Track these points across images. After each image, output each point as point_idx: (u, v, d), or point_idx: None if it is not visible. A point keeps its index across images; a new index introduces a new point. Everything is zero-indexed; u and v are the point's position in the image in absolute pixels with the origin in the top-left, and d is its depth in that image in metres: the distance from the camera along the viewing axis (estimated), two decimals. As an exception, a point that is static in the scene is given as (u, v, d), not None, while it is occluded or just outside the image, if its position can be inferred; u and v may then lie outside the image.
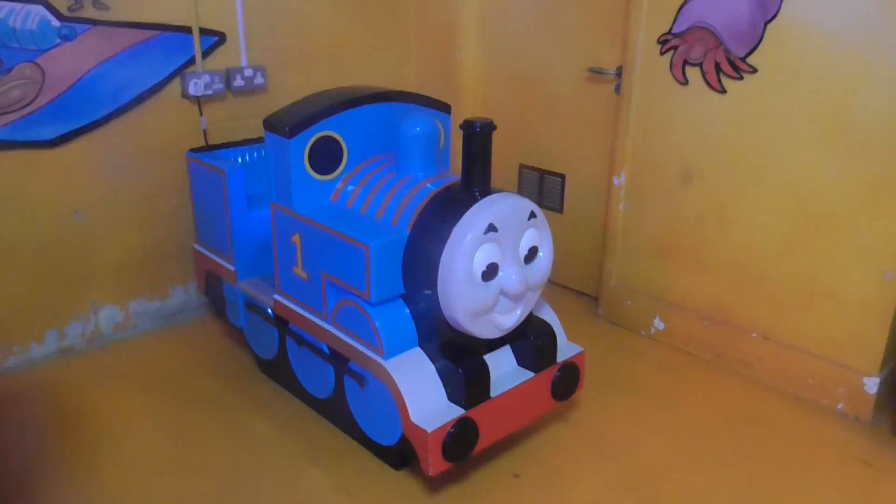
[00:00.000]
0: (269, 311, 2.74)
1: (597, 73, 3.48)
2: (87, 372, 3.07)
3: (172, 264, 3.42)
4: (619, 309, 3.54)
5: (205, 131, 3.33)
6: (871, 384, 2.75)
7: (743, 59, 2.86)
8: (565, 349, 2.52)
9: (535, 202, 2.24)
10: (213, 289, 3.14)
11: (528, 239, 2.20)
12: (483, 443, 2.26)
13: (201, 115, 3.31)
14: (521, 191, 3.99)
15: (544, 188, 3.88)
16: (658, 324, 3.40)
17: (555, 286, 3.94)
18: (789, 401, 2.93)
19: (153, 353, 3.23)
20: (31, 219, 2.99)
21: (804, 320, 2.89)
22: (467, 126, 2.11)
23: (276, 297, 2.66)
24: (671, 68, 3.09)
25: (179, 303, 3.51)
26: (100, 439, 2.63)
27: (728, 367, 3.15)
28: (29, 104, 2.87)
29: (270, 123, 2.40)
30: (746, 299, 3.05)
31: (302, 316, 2.54)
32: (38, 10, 2.81)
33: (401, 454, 2.42)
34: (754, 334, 3.06)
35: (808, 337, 2.89)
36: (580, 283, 3.88)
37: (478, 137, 2.11)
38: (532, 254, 2.24)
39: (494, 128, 2.13)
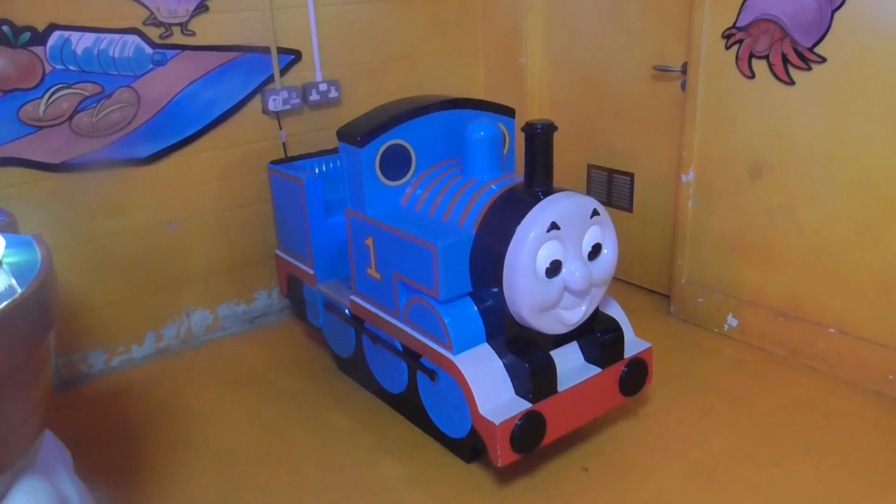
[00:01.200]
0: (346, 311, 2.89)
1: (662, 70, 3.48)
2: (181, 371, 3.32)
3: (256, 270, 3.65)
4: (691, 306, 3.52)
5: (284, 144, 3.54)
6: (958, 379, 2.66)
7: (811, 49, 2.82)
8: (633, 345, 2.55)
9: (603, 201, 2.29)
10: (295, 292, 3.32)
11: (592, 236, 2.25)
12: (551, 436, 2.32)
13: (280, 128, 3.52)
14: (590, 190, 4.02)
15: (613, 187, 3.90)
16: (731, 320, 3.36)
17: (626, 285, 3.95)
18: (869, 396, 2.85)
19: (240, 353, 3.46)
20: (131, 230, 3.26)
21: (882, 313, 2.81)
22: (529, 128, 2.20)
23: (353, 297, 2.80)
24: (737, 62, 3.07)
25: (263, 306, 3.73)
26: (193, 432, 2.85)
27: (804, 363, 3.09)
28: (127, 125, 3.14)
29: (343, 134, 2.55)
30: (821, 294, 2.99)
31: (376, 315, 2.67)
32: (134, 39, 3.08)
33: (471, 447, 2.51)
34: (831, 329, 2.99)
35: (886, 330, 2.81)
36: (651, 282, 3.87)
37: (539, 138, 2.19)
38: (596, 251, 2.29)
39: (555, 129, 2.21)
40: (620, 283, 3.95)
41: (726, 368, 3.13)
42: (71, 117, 3.01)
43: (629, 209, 3.84)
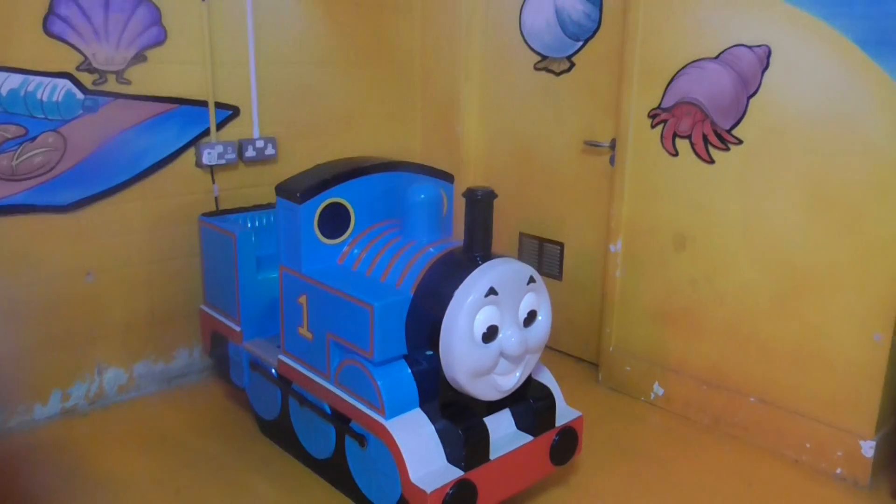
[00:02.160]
0: (273, 371, 2.79)
1: (592, 145, 3.64)
2: (89, 433, 3.09)
3: (178, 327, 3.49)
4: (619, 374, 3.58)
5: (216, 198, 3.46)
6: (868, 447, 2.78)
7: (728, 132, 3.01)
8: (564, 413, 2.56)
9: (535, 269, 2.33)
10: (219, 349, 3.19)
11: (528, 303, 2.28)
12: (482, 504, 2.28)
13: (213, 182, 3.45)
14: (522, 258, 4.05)
15: (544, 256, 3.99)
16: (657, 389, 3.43)
17: (555, 352, 3.99)
18: (788, 465, 2.94)
19: (155, 415, 3.26)
20: (43, 279, 3.07)
21: (799, 383, 2.94)
22: (470, 193, 2.23)
23: (281, 357, 2.71)
24: (662, 140, 3.25)
25: (183, 365, 3.55)
26: (101, 501, 2.64)
27: (727, 431, 3.18)
28: (50, 171, 3.01)
29: (282, 189, 2.52)
30: (742, 363, 3.11)
31: (305, 376, 2.59)
32: (65, 84, 2.98)
33: (400, 516, 2.42)
34: (752, 398, 3.09)
35: (803, 400, 2.94)
36: (580, 350, 3.93)
37: (479, 204, 2.22)
38: (531, 317, 2.31)
39: (495, 196, 2.25)
40: (549, 350, 3.99)
41: (653, 436, 3.18)
42: (-12, 159, 2.86)
43: (559, 277, 3.93)
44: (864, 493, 2.76)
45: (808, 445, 2.93)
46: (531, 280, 2.28)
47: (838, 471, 2.85)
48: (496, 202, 2.27)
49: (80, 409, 3.26)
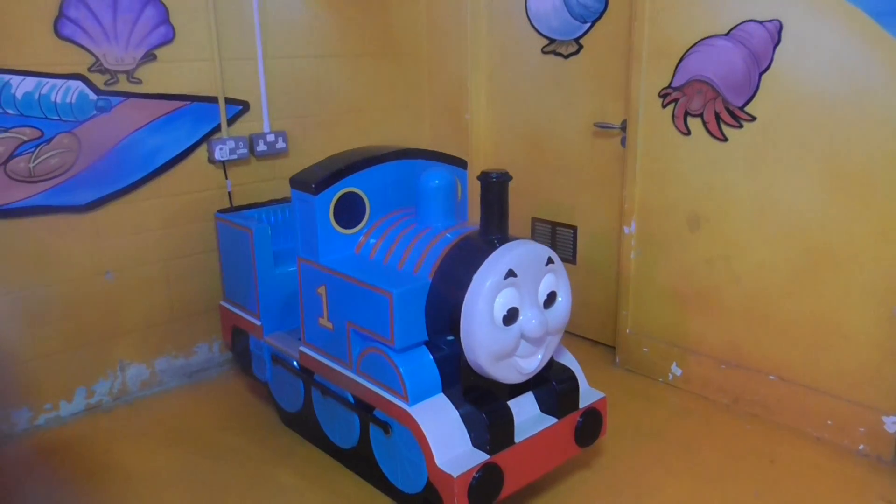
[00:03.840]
0: (295, 363, 2.81)
1: (602, 127, 3.63)
2: (113, 429, 3.13)
3: (197, 322, 3.52)
4: (636, 356, 3.59)
5: (230, 193, 3.48)
6: (891, 423, 2.77)
7: (741, 109, 3.00)
8: (587, 395, 2.57)
9: (546, 246, 2.33)
10: (240, 344, 3.22)
11: (547, 284, 2.28)
12: (508, 489, 2.29)
13: (226, 178, 3.47)
14: (534, 243, 4.09)
15: (557, 240, 3.99)
16: (675, 370, 3.43)
17: (571, 336, 3.99)
18: (810, 442, 2.93)
19: (178, 410, 3.29)
20: (64, 280, 3.11)
21: (819, 360, 2.93)
22: (484, 177, 2.23)
23: (302, 348, 2.73)
24: (673, 120, 3.23)
25: (204, 360, 3.59)
26: (126, 495, 2.67)
27: (746, 410, 3.17)
28: (66, 171, 3.03)
29: (297, 182, 2.53)
30: (760, 341, 3.10)
31: (327, 366, 2.61)
32: (77, 85, 3.00)
33: (426, 502, 2.44)
34: (771, 376, 3.09)
35: (824, 377, 2.93)
36: (596, 333, 3.93)
37: (494, 187, 2.22)
38: (551, 298, 2.32)
39: (510, 178, 2.25)
40: (566, 334, 3.98)
41: (673, 417, 3.18)
42: (6, 162, 2.88)
43: (573, 261, 3.93)
44: (887, 468, 2.75)
45: (829, 422, 2.92)
46: (549, 261, 2.29)
47: (861, 447, 2.85)
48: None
49: (105, 405, 3.30)
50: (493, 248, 2.21)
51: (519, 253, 2.20)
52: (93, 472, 2.81)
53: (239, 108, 3.48)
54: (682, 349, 3.39)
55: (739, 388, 3.20)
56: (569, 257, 3.94)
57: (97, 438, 3.05)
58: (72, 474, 2.81)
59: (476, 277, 2.16)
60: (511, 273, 2.16)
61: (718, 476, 2.73)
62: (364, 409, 2.50)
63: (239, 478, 2.77)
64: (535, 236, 4.09)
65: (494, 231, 2.26)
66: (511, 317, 2.19)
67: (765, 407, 3.12)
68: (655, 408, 3.26)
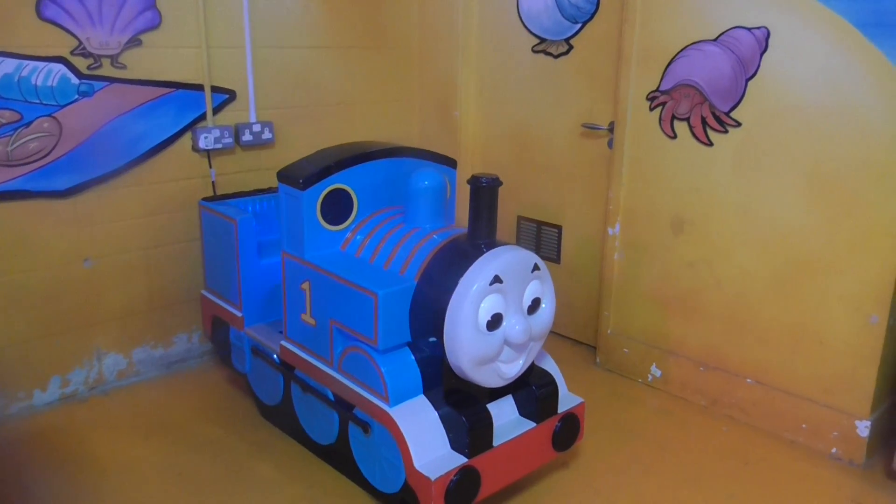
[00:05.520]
0: (275, 356, 2.80)
1: (590, 128, 3.63)
2: (89, 419, 3.09)
3: (177, 312, 3.48)
4: (617, 357, 3.61)
5: (213, 183, 3.44)
6: (863, 427, 2.82)
7: (727, 114, 3.02)
8: (566, 400, 2.59)
9: (533, 253, 2.33)
10: (219, 335, 3.19)
11: (532, 291, 2.29)
12: (485, 491, 2.30)
13: (210, 167, 3.42)
14: (520, 241, 4.10)
15: (542, 239, 4.00)
16: (654, 371, 3.47)
17: (554, 335, 4.02)
18: (784, 445, 2.98)
19: (155, 400, 3.26)
20: (41, 266, 3.05)
21: (796, 365, 2.98)
22: (475, 181, 2.23)
23: (283, 342, 2.72)
24: (660, 123, 3.25)
25: (182, 350, 3.55)
26: (102, 486, 2.65)
27: (724, 412, 3.22)
28: (46, 156, 2.97)
29: (284, 175, 2.50)
30: (739, 345, 3.14)
31: (308, 362, 2.60)
32: (59, 68, 2.94)
33: (402, 502, 2.44)
34: (748, 380, 3.13)
35: (800, 381, 2.97)
36: (578, 332, 3.96)
37: (484, 192, 2.22)
38: (535, 305, 2.32)
39: (500, 183, 2.25)
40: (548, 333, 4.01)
41: (651, 418, 3.22)
42: (-17, 145, 2.83)
43: (557, 261, 3.94)
44: (859, 472, 2.81)
45: (804, 426, 2.98)
46: (535, 268, 2.29)
47: (834, 450, 2.90)
48: None
49: (80, 395, 3.26)
50: (481, 253, 2.21)
51: (505, 259, 2.20)
52: (67, 464, 2.78)
53: (225, 96, 3.43)
54: (663, 351, 3.42)
55: (717, 391, 3.24)
56: (553, 257, 3.95)
57: (72, 429, 3.01)
58: (45, 465, 2.77)
59: (462, 282, 2.15)
60: (497, 279, 2.16)
61: (694, 476, 2.77)
62: (344, 406, 2.49)
63: (217, 470, 2.75)
64: (520, 235, 4.10)
65: (482, 235, 2.26)
66: (495, 322, 2.20)
67: (741, 409, 3.16)
68: (634, 408, 3.30)
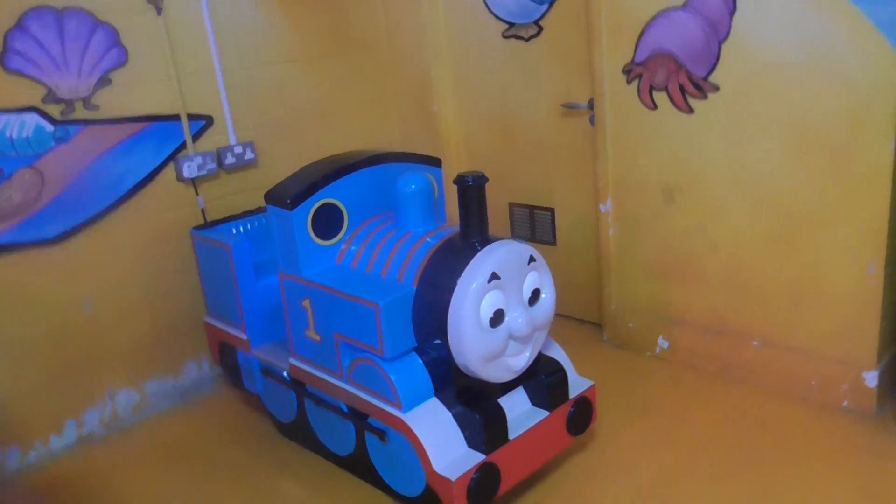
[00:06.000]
0: (286, 374, 2.81)
1: (570, 107, 3.63)
2: (109, 458, 3.11)
3: (183, 340, 3.49)
4: (623, 332, 3.63)
5: (203, 210, 3.43)
6: (871, 377, 2.84)
7: (704, 79, 3.01)
8: (577, 385, 2.61)
9: (527, 237, 2.35)
10: (228, 358, 3.21)
11: (531, 282, 2.30)
12: (506, 485, 2.33)
13: (197, 194, 3.42)
14: (513, 228, 4.10)
15: (535, 223, 4.00)
16: (662, 342, 3.49)
17: (558, 317, 3.99)
18: (795, 403, 3.00)
19: (173, 431, 3.28)
20: (42, 313, 3.06)
21: (799, 322, 2.99)
22: (460, 181, 2.23)
23: (292, 360, 2.73)
24: (639, 95, 3.24)
25: (194, 378, 3.57)
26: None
27: (733, 376, 3.24)
28: (31, 206, 2.97)
29: (271, 197, 2.51)
30: (742, 307, 3.16)
31: (318, 377, 2.61)
32: (33, 118, 2.93)
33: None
34: (755, 341, 3.15)
35: (805, 338, 2.99)
36: (582, 311, 3.97)
37: (471, 190, 2.23)
38: (535, 296, 2.34)
39: (486, 180, 2.25)
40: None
41: (663, 390, 3.24)
42: (-33, 202, 2.83)
43: (553, 243, 3.95)
44: (871, 421, 2.83)
45: (813, 382, 3.00)
46: (531, 259, 2.30)
47: (845, 403, 2.93)
48: None
49: (97, 435, 3.27)
50: (475, 251, 2.22)
51: (501, 255, 2.21)
52: (96, 504, 2.81)
53: (202, 122, 3.42)
54: (667, 321, 3.44)
55: (725, 356, 3.26)
56: (549, 239, 3.96)
57: (93, 470, 3.03)
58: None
59: (460, 282, 2.17)
60: (494, 276, 2.17)
61: (712, 444, 2.79)
62: (358, 417, 2.51)
63: (242, 494, 2.78)
64: (513, 222, 4.10)
65: (474, 233, 2.27)
66: (498, 318, 2.21)
67: (751, 371, 3.18)
68: (645, 381, 3.32)
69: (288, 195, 2.43)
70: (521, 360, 2.34)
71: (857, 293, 2.80)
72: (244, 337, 2.99)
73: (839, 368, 2.91)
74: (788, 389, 3.07)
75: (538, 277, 2.33)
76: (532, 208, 3.99)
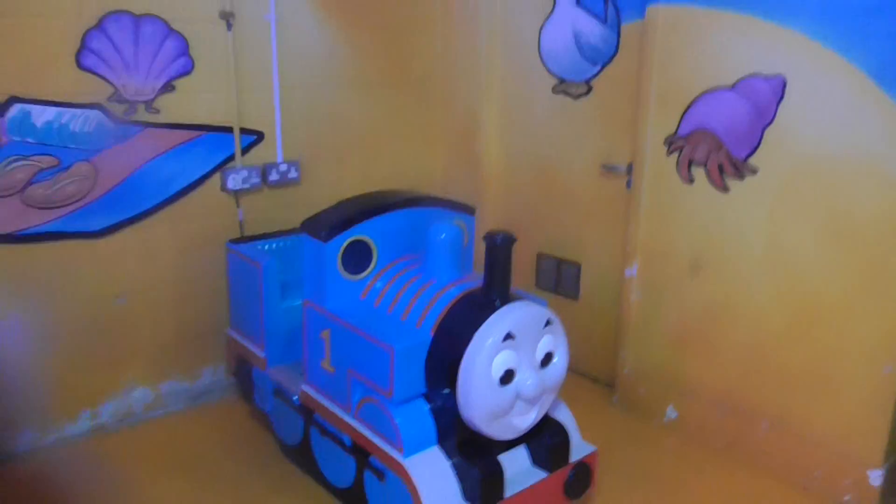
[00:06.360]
0: (296, 399, 2.87)
1: (609, 168, 3.67)
2: (116, 452, 3.20)
3: (204, 346, 3.59)
4: (634, 396, 3.63)
5: (241, 222, 3.54)
6: (876, 476, 2.81)
7: (744, 161, 3.04)
8: (579, 448, 2.62)
9: (551, 289, 2.37)
10: (242, 373, 3.29)
11: (544, 345, 2.34)
12: (498, 541, 2.35)
13: (238, 206, 3.53)
14: (539, 277, 4.14)
15: (561, 276, 4.03)
16: (671, 412, 3.48)
17: (571, 372, 4.00)
18: (798, 492, 2.98)
19: (180, 433, 3.36)
20: (74, 303, 3.18)
21: (810, 410, 2.98)
22: (489, 239, 2.29)
23: (304, 387, 2.80)
24: (678, 167, 3.28)
25: (209, 383, 3.65)
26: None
27: (739, 456, 3.21)
28: (82, 199, 3.10)
29: (308, 227, 2.59)
30: (756, 387, 3.14)
31: (327, 408, 2.67)
32: (97, 115, 3.08)
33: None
34: (764, 423, 3.13)
35: (814, 427, 2.97)
36: (596, 370, 3.97)
37: (498, 250, 2.28)
38: (547, 359, 2.37)
39: (514, 240, 2.31)
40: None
41: (666, 460, 3.23)
42: (24, 189, 2.96)
43: (576, 297, 3.97)
44: (872, 523, 2.80)
45: (816, 473, 2.97)
46: (548, 322, 2.34)
47: (846, 498, 2.89)
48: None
49: (109, 427, 3.37)
50: (494, 309, 2.27)
51: (518, 316, 2.25)
52: (94, 496, 2.88)
53: (253, 137, 3.54)
54: (679, 391, 3.43)
55: (733, 433, 3.24)
56: (572, 294, 3.99)
57: (100, 461, 3.12)
58: (73, 496, 2.88)
59: (475, 337, 2.21)
60: (509, 335, 2.22)
61: (707, 526, 2.78)
62: (361, 453, 2.56)
63: (238, 507, 2.84)
64: (539, 272, 4.14)
65: (496, 291, 2.32)
66: (508, 377, 2.25)
67: (757, 453, 3.16)
68: (650, 449, 3.31)
69: (323, 228, 2.52)
70: (526, 421, 2.38)
71: (871, 390, 2.79)
72: (262, 355, 3.06)
73: (845, 462, 2.88)
74: (792, 477, 3.04)
75: (552, 341, 2.37)
76: (560, 261, 4.03)
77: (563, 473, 2.52)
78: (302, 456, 2.97)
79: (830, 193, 2.80)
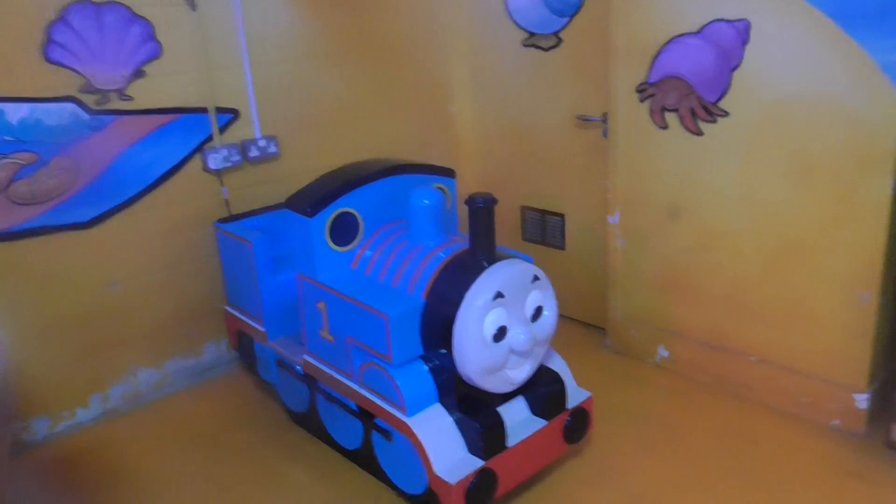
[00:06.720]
0: (299, 368, 2.96)
1: (584, 119, 3.71)
2: (129, 433, 3.30)
3: (204, 323, 3.66)
4: (625, 339, 3.75)
5: (226, 200, 3.58)
6: (862, 400, 2.95)
7: (715, 104, 3.09)
8: (575, 395, 2.73)
9: (538, 240, 2.43)
10: (245, 347, 3.37)
11: (533, 300, 2.42)
12: (502, 489, 2.47)
13: (222, 185, 3.56)
14: (525, 230, 4.21)
15: (546, 227, 4.11)
16: (662, 352, 3.60)
17: (564, 319, 4.12)
18: (787, 420, 3.12)
19: (191, 410, 3.46)
20: (73, 293, 3.23)
21: (794, 342, 3.10)
22: (472, 202, 2.35)
23: (306, 357, 2.88)
24: (651, 114, 3.32)
25: (213, 359, 3.74)
26: (145, 497, 2.86)
27: (730, 390, 3.35)
28: (66, 192, 3.12)
29: (292, 204, 2.64)
30: (741, 325, 3.26)
31: (330, 375, 2.76)
32: (70, 107, 3.07)
33: (429, 502, 2.62)
34: (752, 358, 3.26)
35: (799, 358, 3.10)
36: (588, 315, 4.08)
37: (482, 212, 2.34)
38: (537, 312, 2.46)
39: (496, 202, 2.36)
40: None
41: (660, 399, 3.36)
42: (7, 187, 2.98)
43: (562, 247, 4.06)
44: (859, 442, 2.94)
45: (804, 400, 3.11)
46: (535, 278, 2.42)
47: (834, 422, 3.04)
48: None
49: (120, 410, 3.46)
50: (482, 269, 2.34)
51: (506, 274, 2.33)
52: (111, 477, 2.99)
53: (230, 116, 3.55)
54: (669, 333, 3.55)
55: (723, 370, 3.37)
56: (559, 244, 4.07)
57: (114, 443, 3.22)
58: (90, 479, 2.98)
59: (466, 298, 2.29)
60: (499, 294, 2.29)
61: (703, 456, 2.91)
62: (367, 416, 2.66)
63: (250, 476, 2.94)
64: (525, 224, 4.21)
65: (482, 251, 2.39)
66: (500, 334, 2.34)
67: (747, 387, 3.30)
68: (644, 389, 3.44)
69: (307, 203, 2.56)
70: (521, 374, 2.47)
71: (850, 319, 2.90)
72: (261, 329, 3.14)
73: (831, 389, 3.01)
74: (781, 406, 3.18)
75: (540, 296, 2.45)
76: (543, 213, 4.10)
77: (561, 420, 2.64)
78: (311, 422, 3.08)
79: (798, 133, 2.87)
